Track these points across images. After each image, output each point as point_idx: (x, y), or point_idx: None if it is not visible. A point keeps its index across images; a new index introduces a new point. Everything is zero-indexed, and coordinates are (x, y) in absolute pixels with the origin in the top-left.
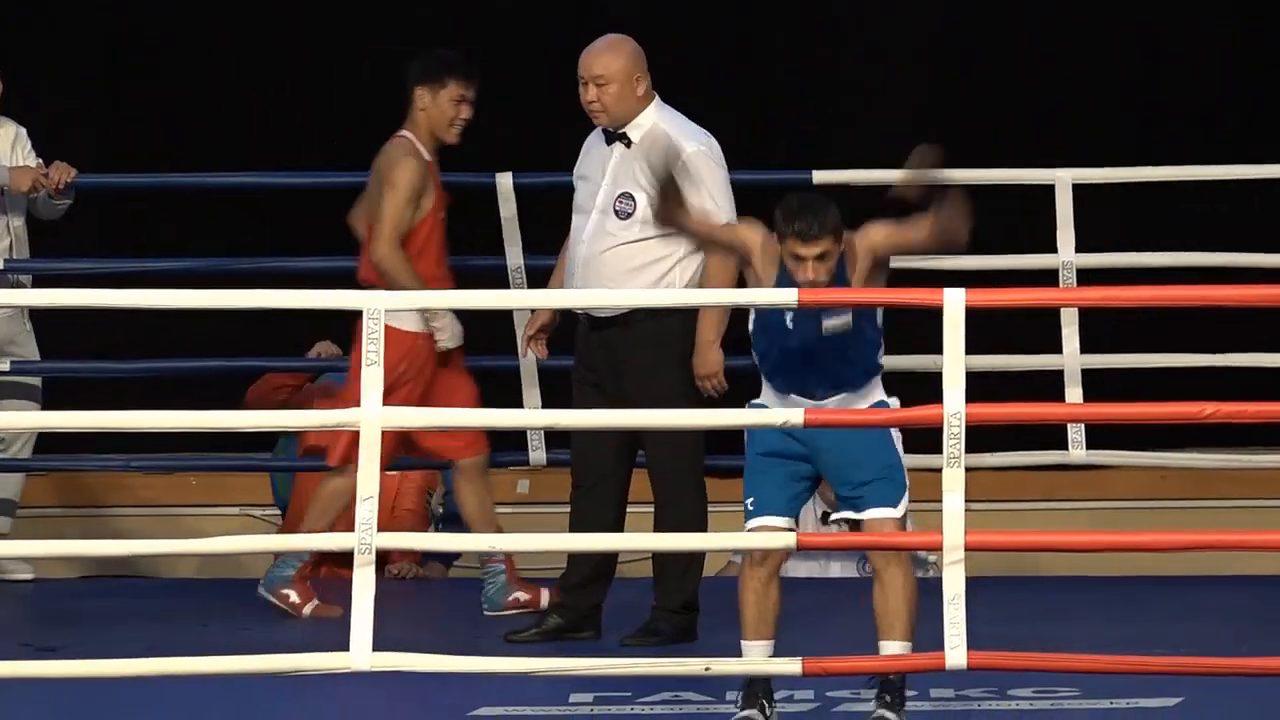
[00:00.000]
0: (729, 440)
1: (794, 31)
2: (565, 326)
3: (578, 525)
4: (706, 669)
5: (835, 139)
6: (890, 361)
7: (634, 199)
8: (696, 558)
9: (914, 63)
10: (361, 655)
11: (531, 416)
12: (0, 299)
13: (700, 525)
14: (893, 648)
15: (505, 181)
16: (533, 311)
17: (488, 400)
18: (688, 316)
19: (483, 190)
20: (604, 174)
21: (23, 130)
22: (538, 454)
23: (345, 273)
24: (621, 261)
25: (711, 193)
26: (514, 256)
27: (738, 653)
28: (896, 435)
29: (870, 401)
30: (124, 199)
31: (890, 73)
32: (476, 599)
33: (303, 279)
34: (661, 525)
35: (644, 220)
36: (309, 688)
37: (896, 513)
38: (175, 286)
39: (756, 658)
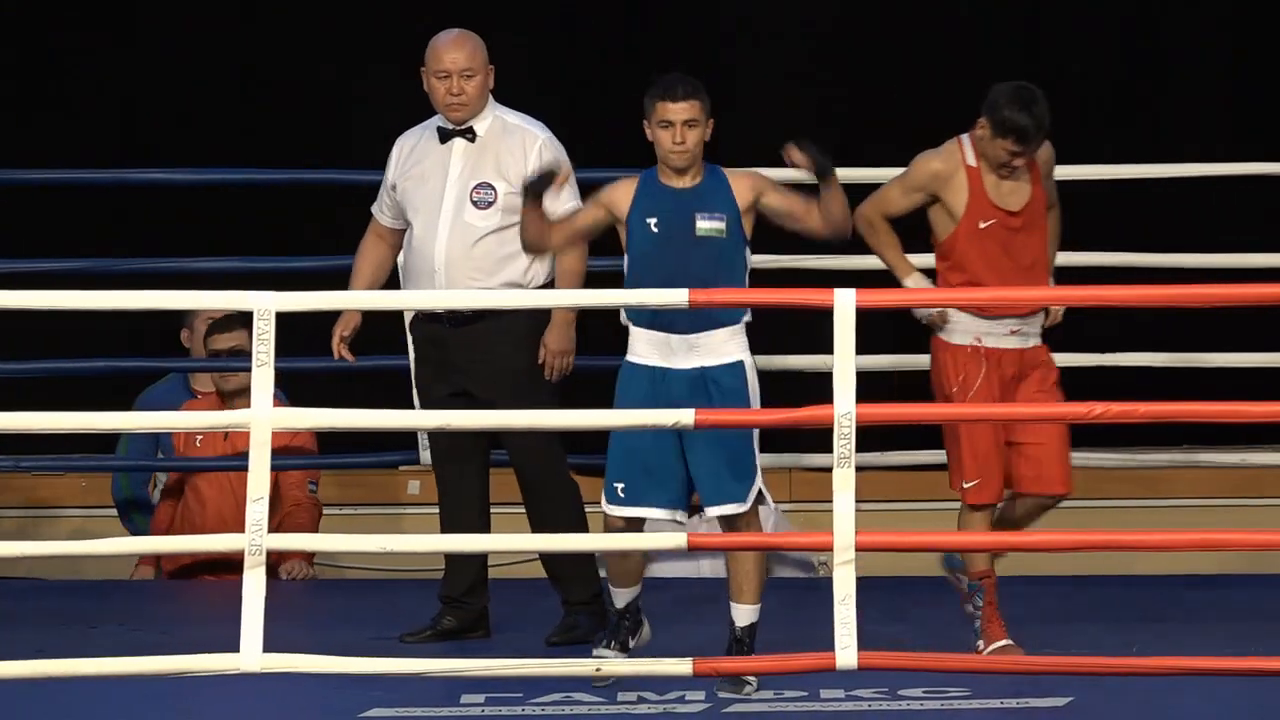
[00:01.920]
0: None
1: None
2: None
3: (451, 527)
4: (597, 670)
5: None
6: (786, 362)
7: (493, 187)
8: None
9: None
10: (251, 656)
11: (421, 417)
12: None
13: (578, 514)
14: (743, 610)
15: None
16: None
17: (378, 401)
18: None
19: None
20: (446, 170)
21: None
22: (427, 454)
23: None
24: (491, 251)
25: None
26: None
27: (655, 651)
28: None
29: (732, 357)
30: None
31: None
32: (368, 600)
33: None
34: (539, 522)
35: (504, 208)
36: (199, 689)
37: (742, 507)
38: (78, 287)
39: (623, 602)
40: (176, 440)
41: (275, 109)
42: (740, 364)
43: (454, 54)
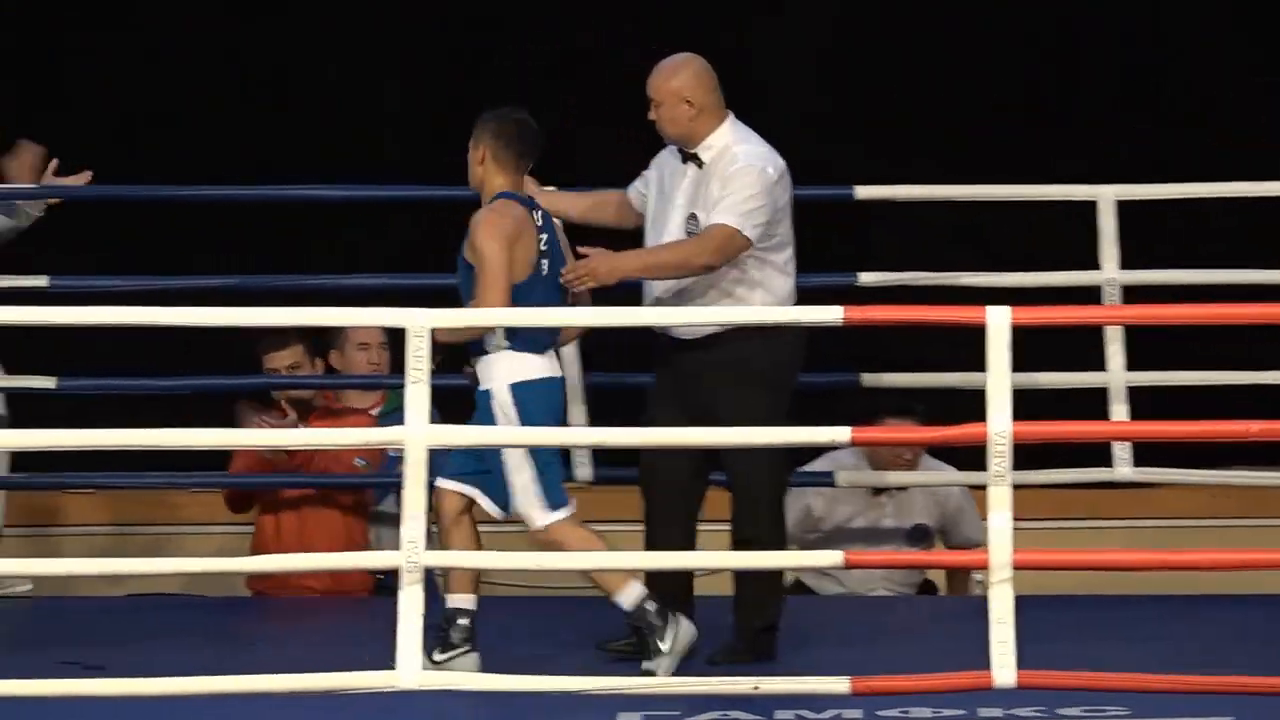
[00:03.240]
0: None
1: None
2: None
3: (652, 545)
4: (755, 688)
5: None
6: (934, 379)
7: (698, 220)
8: (776, 578)
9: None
10: (409, 673)
11: (578, 435)
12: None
13: (776, 546)
14: (625, 597)
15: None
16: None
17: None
18: (768, 337)
19: None
20: (676, 193)
21: None
22: (583, 470)
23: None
24: (695, 283)
25: (735, 201)
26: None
27: (811, 669)
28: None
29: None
30: (130, 212)
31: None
32: (515, 617)
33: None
34: (737, 546)
35: None
36: (355, 706)
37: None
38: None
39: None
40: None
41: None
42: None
43: (649, 81)
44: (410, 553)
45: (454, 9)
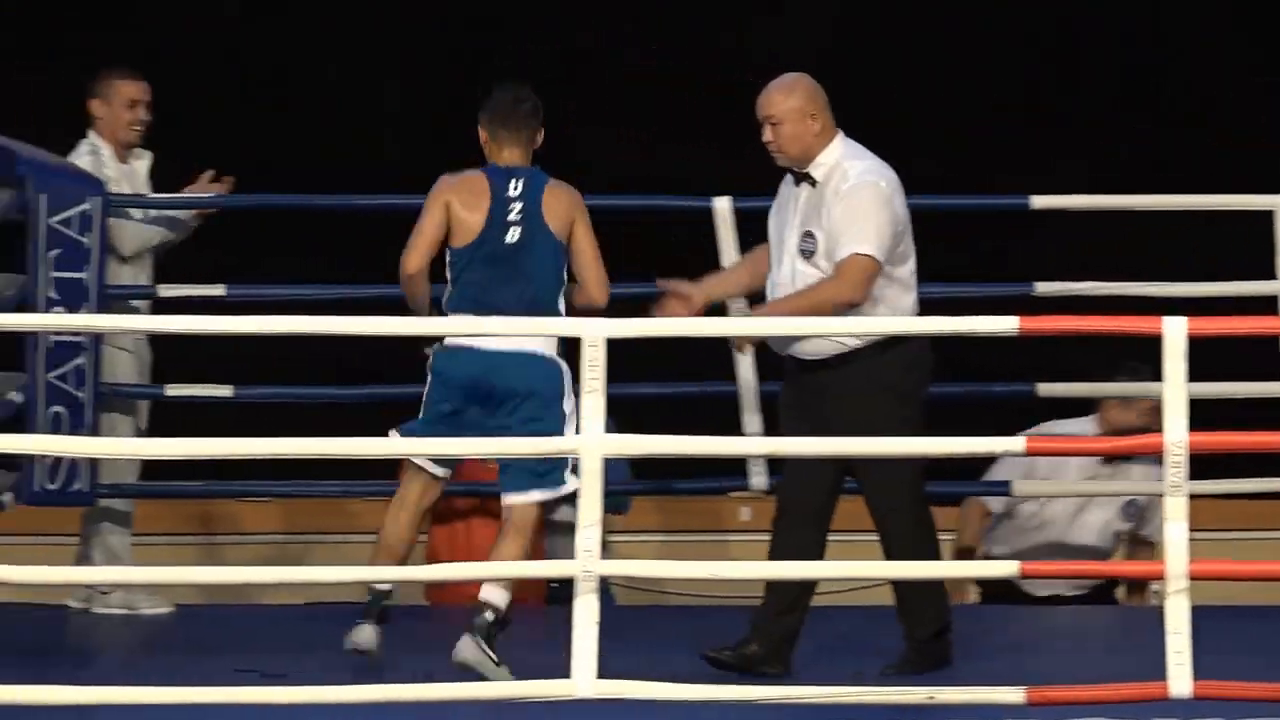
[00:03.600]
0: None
1: None
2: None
3: (776, 555)
4: (930, 698)
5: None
6: (1107, 389)
7: (814, 236)
8: (935, 584)
9: None
10: (585, 682)
11: (754, 444)
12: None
13: (928, 554)
14: (493, 591)
15: (723, 205)
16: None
17: (709, 428)
18: (900, 350)
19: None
20: (794, 213)
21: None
22: (759, 480)
23: None
24: None
25: (859, 225)
26: None
27: (986, 679)
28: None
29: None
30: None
31: None
32: (678, 625)
33: None
34: (893, 556)
35: (825, 255)
36: (529, 716)
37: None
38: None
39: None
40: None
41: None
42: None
43: (761, 101)
44: (585, 562)
45: (454, 9)
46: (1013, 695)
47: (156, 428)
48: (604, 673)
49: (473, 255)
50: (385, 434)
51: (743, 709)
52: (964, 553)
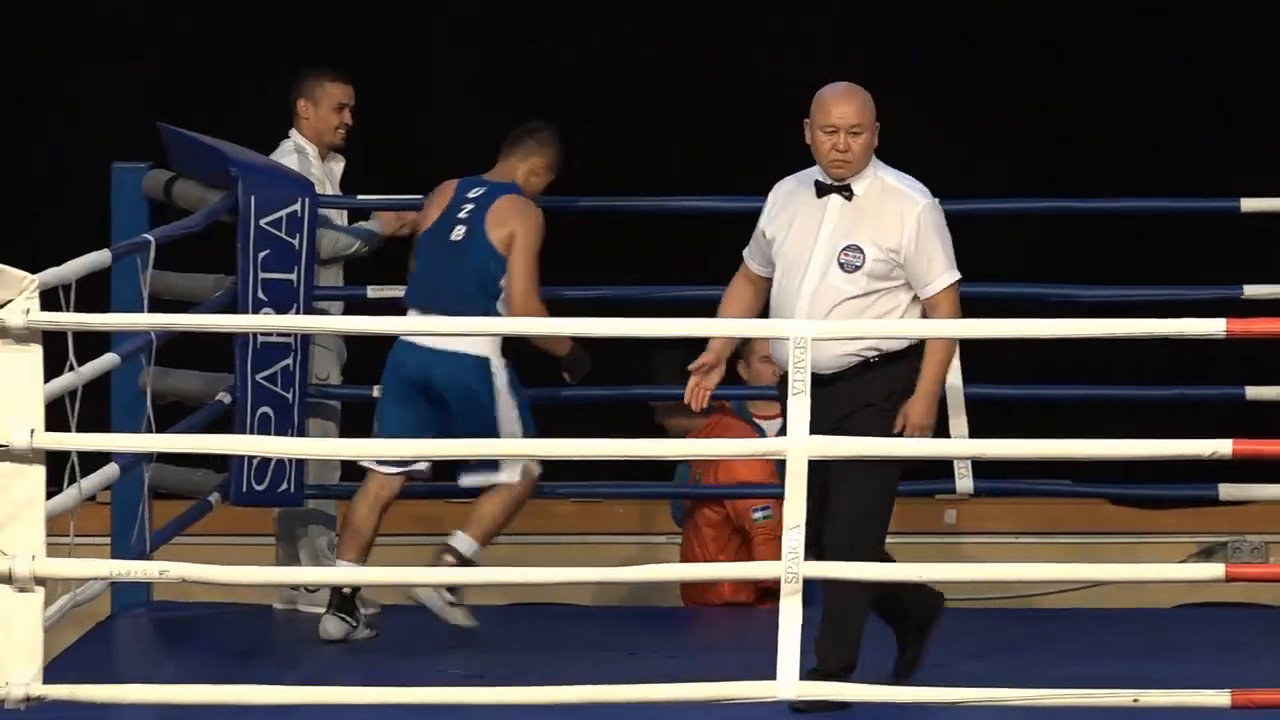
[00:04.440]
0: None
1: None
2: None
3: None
4: (1135, 700)
5: None
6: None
7: (862, 251)
8: (858, 626)
9: None
10: (789, 684)
11: (960, 446)
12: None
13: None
14: (462, 540)
15: None
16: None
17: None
18: (914, 360)
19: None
20: (820, 226)
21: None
22: (964, 483)
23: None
24: (851, 316)
25: (943, 247)
26: None
27: (1190, 682)
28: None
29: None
30: None
31: None
32: (877, 625)
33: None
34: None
35: (870, 273)
36: (736, 716)
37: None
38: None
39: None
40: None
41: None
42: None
43: (844, 108)
44: (790, 563)
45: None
46: (1218, 699)
47: (347, 428)
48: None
49: (422, 245)
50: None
51: (943, 711)
52: None
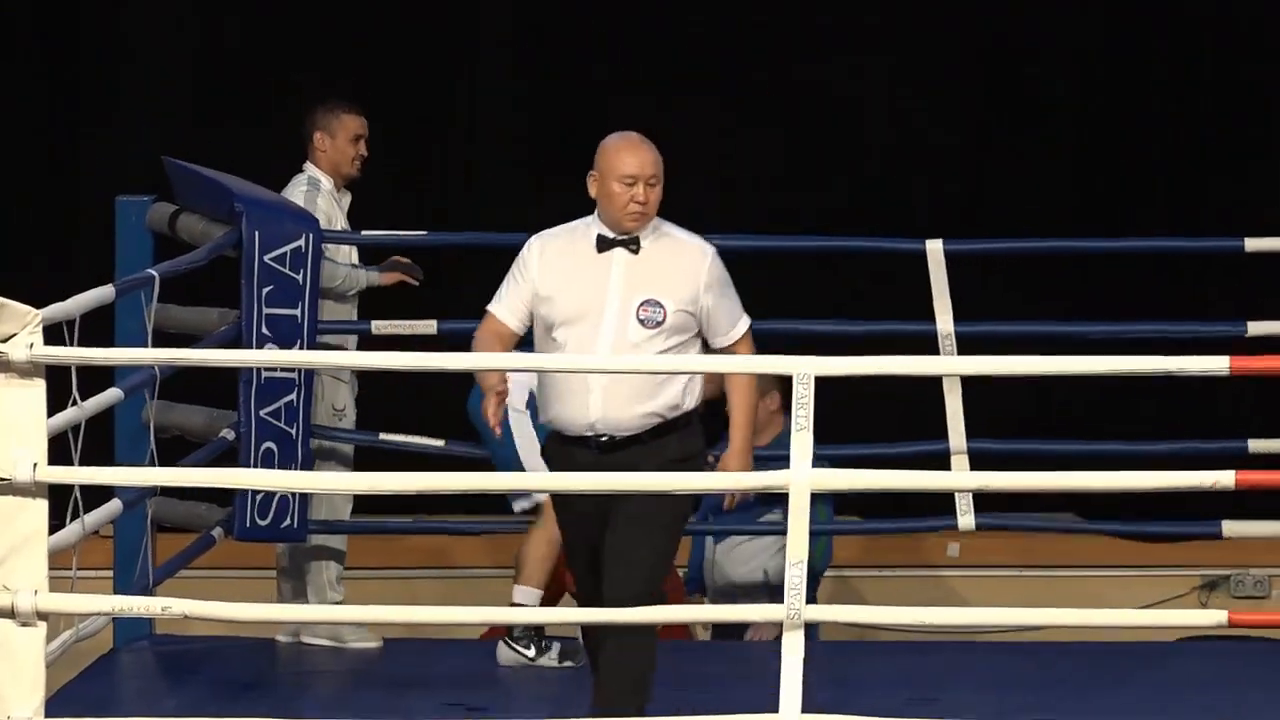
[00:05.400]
0: None
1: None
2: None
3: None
4: None
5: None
6: None
7: (661, 305)
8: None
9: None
10: (791, 717)
11: (962, 479)
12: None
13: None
14: (518, 592)
15: (935, 247)
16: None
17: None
18: (691, 432)
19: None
20: (608, 281)
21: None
22: (966, 519)
23: None
24: (646, 380)
25: (734, 294)
26: (944, 323)
27: None
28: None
29: None
30: None
31: None
32: (882, 660)
33: None
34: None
35: (672, 328)
36: None
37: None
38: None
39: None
40: None
41: None
42: None
43: (642, 158)
44: (793, 600)
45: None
46: None
47: (360, 463)
48: (808, 707)
49: None
50: None
51: None
52: None
